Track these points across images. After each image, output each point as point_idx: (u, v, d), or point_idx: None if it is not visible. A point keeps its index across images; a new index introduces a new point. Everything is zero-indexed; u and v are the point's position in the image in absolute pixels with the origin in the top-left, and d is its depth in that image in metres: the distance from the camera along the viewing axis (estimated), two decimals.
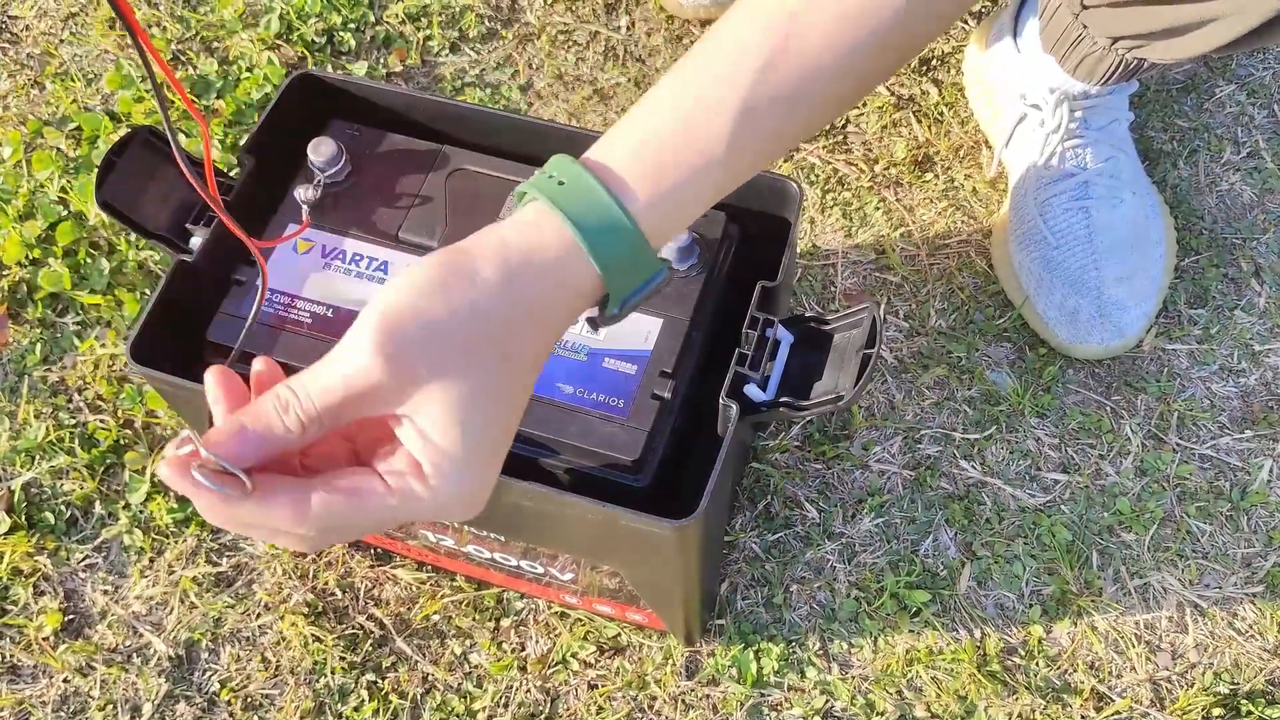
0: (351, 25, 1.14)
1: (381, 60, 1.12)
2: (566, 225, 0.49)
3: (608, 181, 0.51)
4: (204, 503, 0.46)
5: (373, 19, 1.14)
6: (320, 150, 0.74)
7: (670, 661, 0.86)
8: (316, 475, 0.48)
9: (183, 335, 0.71)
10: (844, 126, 1.08)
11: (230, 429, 0.47)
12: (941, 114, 1.08)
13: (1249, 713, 0.83)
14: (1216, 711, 0.83)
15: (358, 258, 0.73)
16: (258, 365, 0.52)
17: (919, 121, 1.08)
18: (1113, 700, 0.84)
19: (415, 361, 0.47)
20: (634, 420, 0.67)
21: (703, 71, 0.52)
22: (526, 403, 0.51)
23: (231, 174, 0.75)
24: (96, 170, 0.70)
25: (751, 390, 0.67)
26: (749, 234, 0.76)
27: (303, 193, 0.74)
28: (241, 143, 0.84)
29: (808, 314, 0.69)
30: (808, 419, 0.94)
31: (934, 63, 1.11)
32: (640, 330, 0.70)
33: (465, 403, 0.47)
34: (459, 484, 0.48)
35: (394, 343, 0.46)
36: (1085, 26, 0.83)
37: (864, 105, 1.09)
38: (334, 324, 0.70)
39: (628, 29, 1.14)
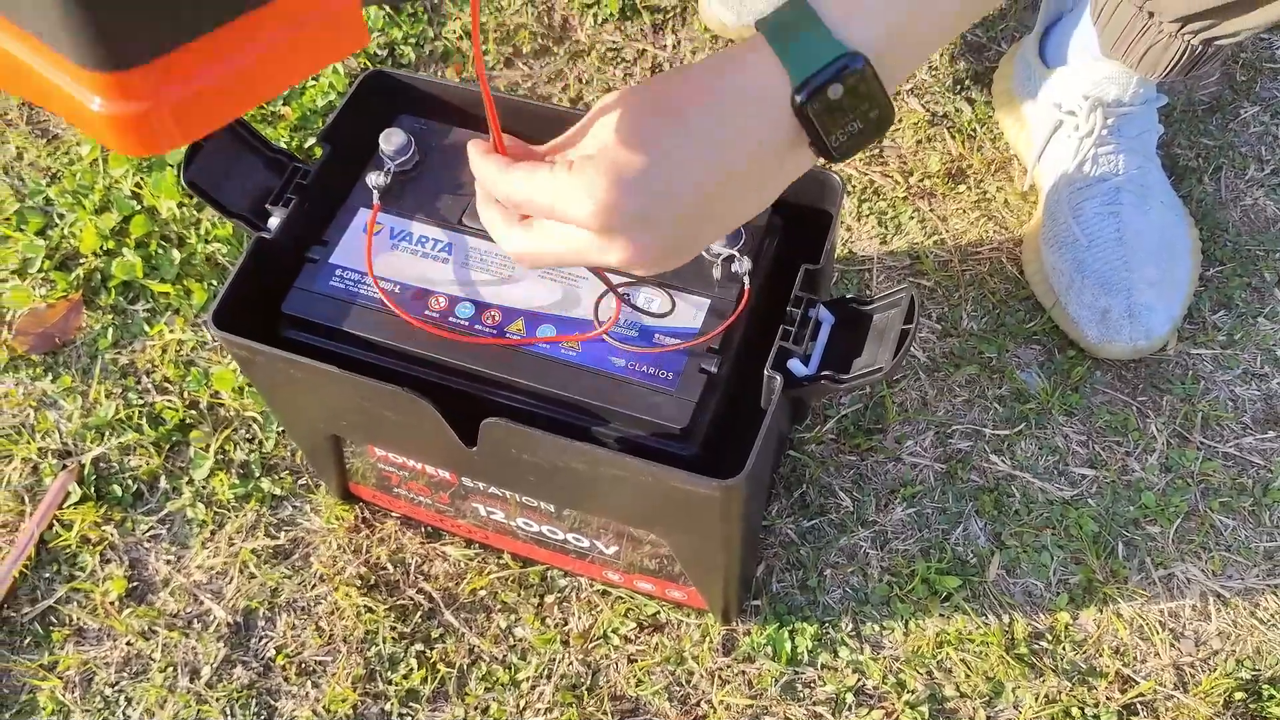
0: (412, 40, 1.20)
1: (439, 73, 1.18)
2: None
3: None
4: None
5: (432, 34, 1.20)
6: (391, 140, 0.80)
7: (708, 639, 0.90)
8: None
9: (256, 309, 0.76)
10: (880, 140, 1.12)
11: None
12: (974, 130, 1.13)
13: (1270, 696, 0.85)
14: (1238, 695, 0.85)
15: (424, 239, 0.78)
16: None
17: (953, 137, 1.12)
18: (1137, 683, 0.87)
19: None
20: (682, 392, 0.71)
21: None
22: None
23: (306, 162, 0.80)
24: (185, 151, 0.75)
25: (794, 365, 0.71)
26: (791, 228, 0.80)
27: (374, 179, 0.79)
28: (314, 138, 0.88)
29: (849, 295, 0.73)
30: (846, 395, 0.98)
31: (966, 82, 1.16)
32: (690, 310, 0.74)
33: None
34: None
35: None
36: (1151, 15, 0.86)
37: (900, 121, 1.13)
38: (401, 299, 0.75)
39: (674, 47, 1.20)
